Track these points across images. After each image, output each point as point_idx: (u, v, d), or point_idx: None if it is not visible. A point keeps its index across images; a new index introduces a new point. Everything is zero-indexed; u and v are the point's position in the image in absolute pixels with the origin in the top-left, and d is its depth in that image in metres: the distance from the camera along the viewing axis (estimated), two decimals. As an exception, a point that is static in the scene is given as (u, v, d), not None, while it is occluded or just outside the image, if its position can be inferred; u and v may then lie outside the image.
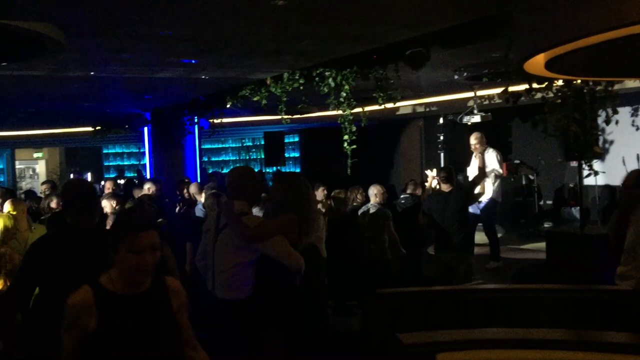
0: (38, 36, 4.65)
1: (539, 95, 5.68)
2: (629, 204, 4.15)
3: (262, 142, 15.27)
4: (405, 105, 11.32)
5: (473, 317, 3.90)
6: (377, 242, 6.43)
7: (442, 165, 11.78)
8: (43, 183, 9.05)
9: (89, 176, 18.46)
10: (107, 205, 6.18)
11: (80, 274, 2.44)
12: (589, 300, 3.87)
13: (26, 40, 4.88)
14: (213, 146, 18.76)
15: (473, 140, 8.10)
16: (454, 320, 3.82)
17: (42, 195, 8.39)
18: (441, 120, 12.42)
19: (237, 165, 17.07)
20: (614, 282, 4.23)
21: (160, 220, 6.46)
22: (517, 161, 11.66)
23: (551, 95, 5.46)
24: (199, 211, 7.00)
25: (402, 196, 7.64)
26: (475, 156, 8.08)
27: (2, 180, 19.48)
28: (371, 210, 6.54)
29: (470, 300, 4.00)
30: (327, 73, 7.10)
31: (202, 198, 7.01)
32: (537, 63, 3.97)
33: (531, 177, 11.26)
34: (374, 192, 6.62)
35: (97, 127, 14.80)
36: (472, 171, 8.46)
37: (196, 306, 4.90)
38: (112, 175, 19.47)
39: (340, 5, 4.50)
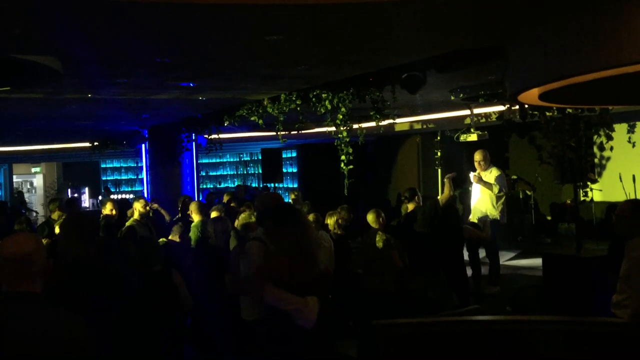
0: (37, 66, 4.68)
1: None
2: (626, 233, 4.15)
3: (260, 157, 15.31)
4: (402, 122, 11.34)
5: (467, 349, 3.88)
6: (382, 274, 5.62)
7: (440, 181, 11.78)
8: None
9: (86, 191, 18.44)
10: None
11: None
12: (584, 333, 3.86)
13: (25, 68, 4.91)
14: (211, 160, 18.75)
15: (478, 157, 7.79)
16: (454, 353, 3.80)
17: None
18: (438, 137, 12.45)
19: (238, 184, 17.16)
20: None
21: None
22: (514, 177, 11.66)
23: (545, 119, 5.49)
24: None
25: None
26: (473, 178, 7.74)
27: (0, 194, 19.46)
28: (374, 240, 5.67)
29: (461, 332, 3.99)
30: (323, 95, 7.13)
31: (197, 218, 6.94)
32: (531, 94, 4.00)
33: (528, 192, 11.27)
34: (372, 218, 5.76)
35: (95, 143, 14.81)
36: (475, 194, 7.95)
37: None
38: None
39: (335, 36, 4.54)
